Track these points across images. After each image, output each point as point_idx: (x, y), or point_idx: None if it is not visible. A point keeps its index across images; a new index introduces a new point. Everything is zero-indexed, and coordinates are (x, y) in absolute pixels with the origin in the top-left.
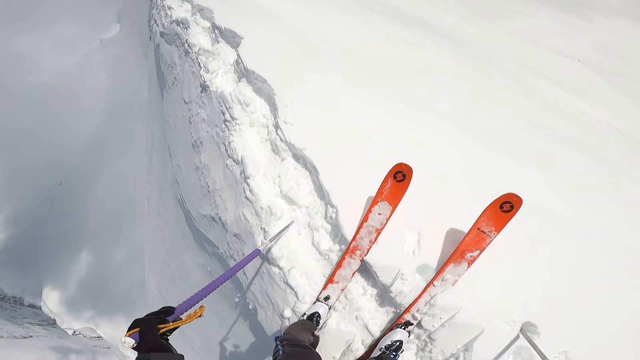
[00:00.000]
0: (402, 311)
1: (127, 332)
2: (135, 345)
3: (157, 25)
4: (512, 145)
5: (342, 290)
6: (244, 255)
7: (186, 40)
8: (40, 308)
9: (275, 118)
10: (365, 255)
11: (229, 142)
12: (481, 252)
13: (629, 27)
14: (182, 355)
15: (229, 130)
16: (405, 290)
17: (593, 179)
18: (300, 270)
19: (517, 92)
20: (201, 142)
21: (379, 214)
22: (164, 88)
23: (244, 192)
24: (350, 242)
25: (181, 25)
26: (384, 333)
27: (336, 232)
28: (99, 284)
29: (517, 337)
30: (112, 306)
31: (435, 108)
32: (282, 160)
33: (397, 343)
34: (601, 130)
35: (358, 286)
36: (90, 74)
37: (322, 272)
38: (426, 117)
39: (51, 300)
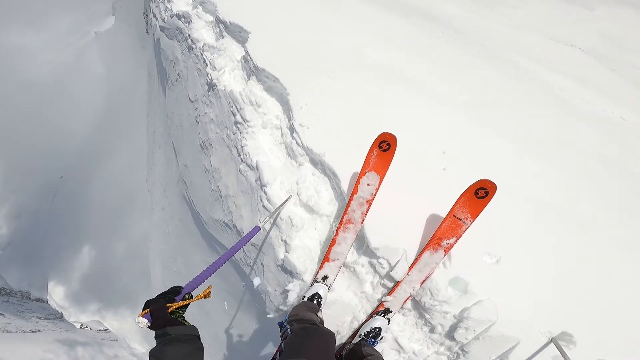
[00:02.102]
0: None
1: (141, 312)
2: (149, 324)
3: (157, 19)
4: (526, 140)
5: (339, 268)
6: (262, 265)
7: (189, 35)
8: (47, 302)
9: (289, 120)
10: (359, 227)
11: (242, 146)
12: (457, 239)
13: (632, 17)
14: (195, 327)
15: (240, 133)
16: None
17: (613, 179)
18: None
19: (521, 81)
20: (210, 144)
21: (368, 185)
22: (166, 84)
23: (261, 201)
24: (342, 216)
25: (182, 19)
26: (365, 320)
27: (360, 243)
28: (103, 277)
29: (553, 346)
30: (117, 299)
31: (452, 102)
32: (299, 165)
33: (376, 330)
34: (607, 119)
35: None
36: (86, 67)
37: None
38: (447, 113)
39: (57, 294)
